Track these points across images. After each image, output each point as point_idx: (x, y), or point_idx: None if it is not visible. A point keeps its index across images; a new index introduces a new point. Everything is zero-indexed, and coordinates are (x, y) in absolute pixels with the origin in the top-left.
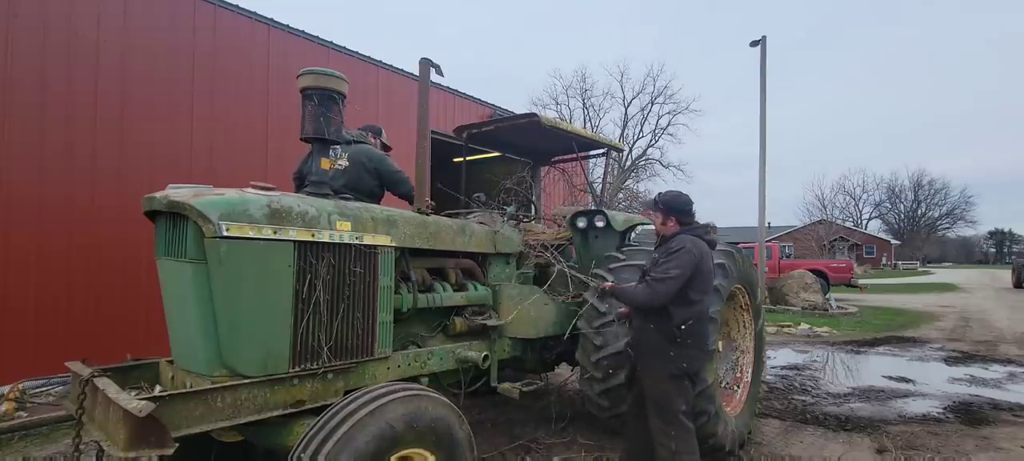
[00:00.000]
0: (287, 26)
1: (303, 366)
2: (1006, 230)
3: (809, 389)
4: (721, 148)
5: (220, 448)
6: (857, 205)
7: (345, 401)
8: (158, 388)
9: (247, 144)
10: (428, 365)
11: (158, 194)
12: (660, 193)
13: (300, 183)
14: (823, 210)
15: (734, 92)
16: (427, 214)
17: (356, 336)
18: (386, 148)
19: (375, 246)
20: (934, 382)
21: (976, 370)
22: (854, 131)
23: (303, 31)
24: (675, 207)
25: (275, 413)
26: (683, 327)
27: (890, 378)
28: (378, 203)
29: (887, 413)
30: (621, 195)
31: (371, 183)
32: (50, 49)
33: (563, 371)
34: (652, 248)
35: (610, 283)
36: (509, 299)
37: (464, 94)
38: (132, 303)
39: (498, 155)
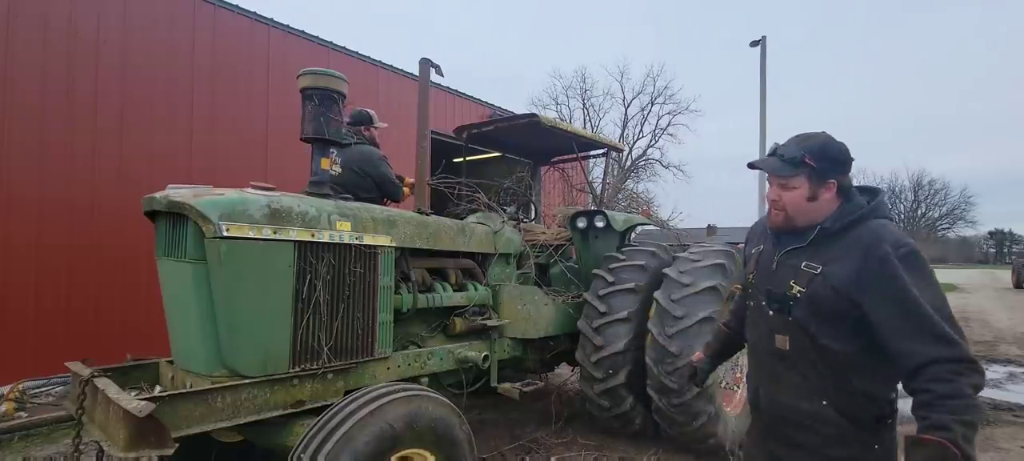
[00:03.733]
0: (287, 26)
1: (303, 366)
2: (1006, 230)
3: None
4: (721, 148)
5: (220, 448)
6: None
7: (345, 401)
8: (158, 388)
9: (247, 144)
10: (428, 365)
11: (158, 194)
12: (803, 138)
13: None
14: None
15: (734, 92)
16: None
17: (356, 336)
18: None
19: (375, 246)
20: None
21: None
22: (853, 131)
23: (303, 31)
24: (836, 157)
25: (275, 413)
26: (893, 396)
27: None
28: (381, 203)
29: None
30: (621, 195)
31: (366, 185)
32: (50, 49)
33: (563, 371)
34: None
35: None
36: (509, 299)
37: (464, 94)
38: (132, 303)
39: (498, 155)
